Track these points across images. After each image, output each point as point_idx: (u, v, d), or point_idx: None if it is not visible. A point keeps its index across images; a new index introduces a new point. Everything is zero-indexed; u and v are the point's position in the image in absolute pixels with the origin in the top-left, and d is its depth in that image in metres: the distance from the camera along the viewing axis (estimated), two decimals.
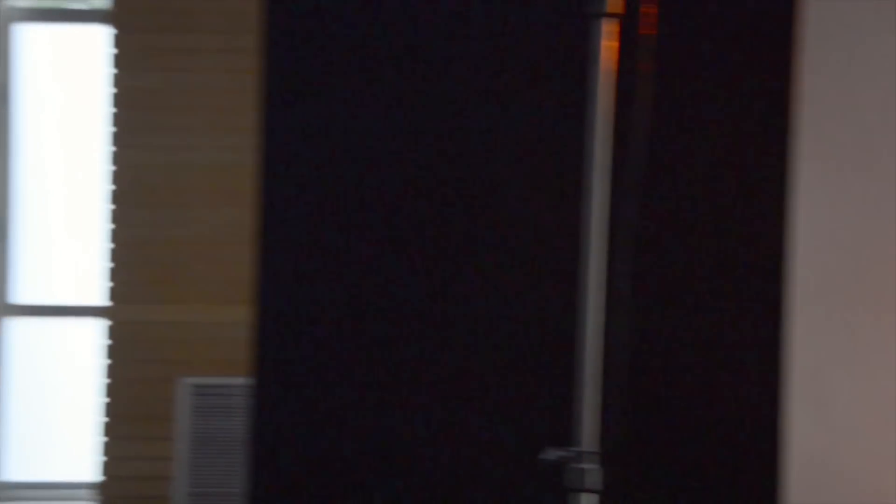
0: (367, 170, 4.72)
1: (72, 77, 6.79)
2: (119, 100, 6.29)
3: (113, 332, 6.25)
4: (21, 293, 6.69)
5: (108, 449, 6.21)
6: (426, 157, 4.72)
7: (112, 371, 6.24)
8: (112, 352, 6.27)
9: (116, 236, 6.23)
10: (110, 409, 6.24)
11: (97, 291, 6.32)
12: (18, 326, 6.70)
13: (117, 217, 6.26)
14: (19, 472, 6.68)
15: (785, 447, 4.70)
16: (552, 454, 2.61)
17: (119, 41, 6.30)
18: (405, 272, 4.66)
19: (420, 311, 4.66)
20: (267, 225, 4.68)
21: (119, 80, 6.30)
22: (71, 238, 6.79)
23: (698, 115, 4.70)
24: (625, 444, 4.42)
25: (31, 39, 6.76)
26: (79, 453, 6.58)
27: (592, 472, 2.58)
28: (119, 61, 6.29)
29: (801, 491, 5.13)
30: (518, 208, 4.70)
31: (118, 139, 6.29)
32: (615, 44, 2.55)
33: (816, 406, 5.32)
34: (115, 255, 6.25)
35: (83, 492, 6.44)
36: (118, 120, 6.28)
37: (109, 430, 6.22)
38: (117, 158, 6.29)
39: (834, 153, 5.39)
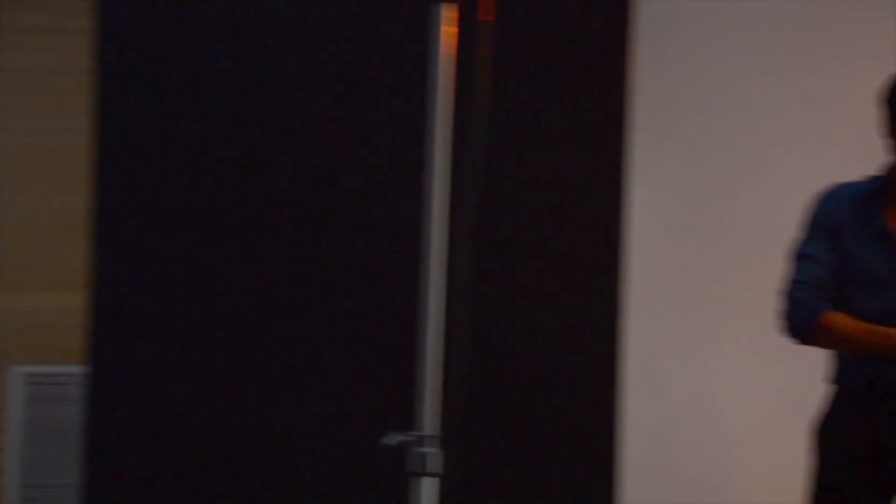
0: (205, 156, 4.65)
1: None
2: None
3: None
4: None
5: None
6: (266, 142, 4.67)
7: None
8: None
9: None
10: None
11: None
12: None
13: None
14: None
15: (621, 426, 4.79)
16: (393, 439, 2.62)
17: None
18: (246, 260, 4.61)
19: (261, 299, 4.62)
20: (102, 210, 4.57)
21: None
22: None
23: (536, 103, 4.75)
24: (466, 428, 4.46)
25: None
26: None
27: (433, 456, 2.60)
28: None
29: (636, 467, 5.23)
30: (360, 196, 4.69)
31: None
32: (454, 29, 2.56)
33: (651, 386, 5.43)
34: None
35: None
36: None
37: None
38: None
39: (668, 144, 5.50)
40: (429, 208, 2.61)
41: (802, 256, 3.18)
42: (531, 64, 4.67)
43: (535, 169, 4.72)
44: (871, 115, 3.21)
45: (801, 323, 3.13)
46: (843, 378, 3.20)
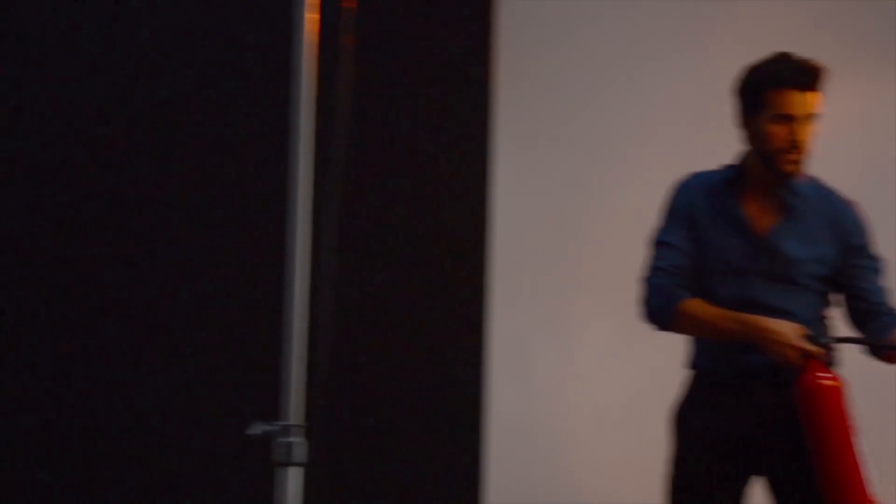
0: (68, 152, 4.56)
1: None
2: None
3: None
4: None
5: None
6: (128, 137, 4.60)
7: None
8: None
9: None
10: None
11: None
12: None
13: None
14: None
15: (486, 412, 4.82)
16: (258, 428, 2.60)
17: None
18: (114, 254, 4.54)
19: (127, 292, 4.55)
20: None
21: None
22: None
23: (400, 95, 4.75)
24: (331, 417, 4.45)
25: None
26: None
27: (298, 445, 2.58)
28: None
29: (502, 452, 5.28)
30: (226, 189, 4.64)
31: None
32: (316, 16, 2.54)
33: (518, 373, 5.48)
34: None
35: None
36: None
37: None
38: None
39: (531, 137, 5.55)
40: (293, 199, 2.59)
41: (661, 244, 3.23)
42: (396, 54, 4.67)
43: (400, 160, 4.73)
44: (729, 106, 3.27)
45: (660, 309, 3.18)
46: (700, 363, 3.26)
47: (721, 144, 3.48)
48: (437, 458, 4.68)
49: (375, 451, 4.62)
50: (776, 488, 3.19)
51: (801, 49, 3.15)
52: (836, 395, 3.00)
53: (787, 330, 3.05)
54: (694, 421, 3.23)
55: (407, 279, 4.69)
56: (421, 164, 4.72)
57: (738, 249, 3.17)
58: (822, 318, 3.23)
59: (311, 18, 2.59)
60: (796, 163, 3.11)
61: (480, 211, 4.77)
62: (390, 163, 4.71)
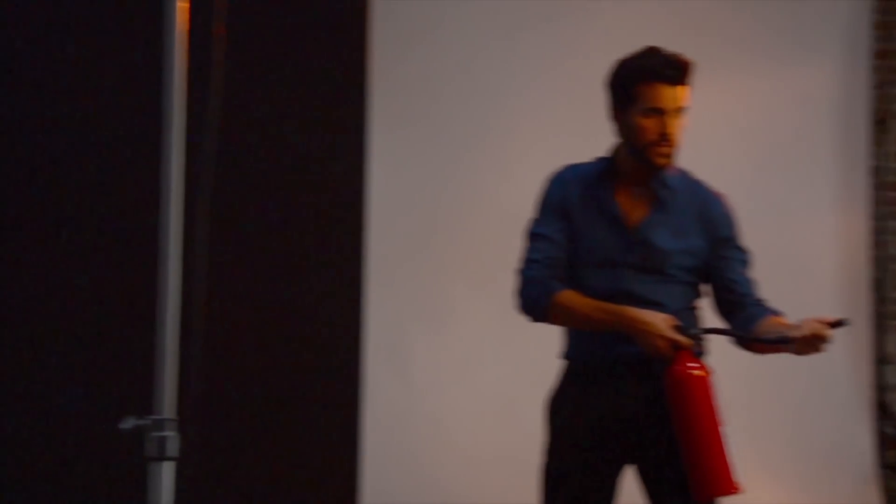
0: None
1: None
2: None
3: None
4: None
5: None
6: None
7: None
8: None
9: None
10: None
11: None
12: None
13: None
14: None
15: (363, 403, 4.82)
16: (130, 422, 2.57)
17: None
18: None
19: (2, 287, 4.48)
20: None
21: None
22: None
23: (274, 81, 4.72)
24: (205, 411, 4.41)
25: None
26: None
27: (171, 439, 2.56)
28: None
29: (379, 442, 5.29)
30: (96, 178, 4.57)
31: None
32: (186, 4, 2.51)
33: (395, 363, 5.49)
34: None
35: None
36: None
37: None
38: None
39: (407, 122, 5.56)
40: (166, 191, 2.56)
41: (535, 236, 3.26)
42: (269, 43, 4.63)
43: (275, 150, 4.70)
44: (601, 100, 3.31)
45: (534, 301, 3.21)
46: (573, 354, 3.30)
47: (594, 137, 3.52)
48: (313, 449, 4.66)
49: (251, 444, 4.59)
50: (646, 476, 3.24)
51: (668, 45, 3.20)
52: (703, 385, 3.06)
53: (658, 321, 3.10)
54: (566, 411, 3.27)
55: (282, 269, 4.67)
56: (296, 153, 4.70)
57: (610, 241, 3.21)
58: (692, 308, 3.28)
59: (182, 7, 2.56)
60: (667, 155, 3.16)
61: (356, 200, 4.76)
62: (264, 152, 4.68)
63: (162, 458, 2.59)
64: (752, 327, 3.16)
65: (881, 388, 6.04)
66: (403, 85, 5.51)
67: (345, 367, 4.70)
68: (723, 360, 3.40)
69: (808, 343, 2.97)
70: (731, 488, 3.04)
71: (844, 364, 5.61)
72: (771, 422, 5.56)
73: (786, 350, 3.02)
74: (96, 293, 4.48)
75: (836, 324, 2.96)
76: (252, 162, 4.64)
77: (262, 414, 4.61)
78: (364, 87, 4.77)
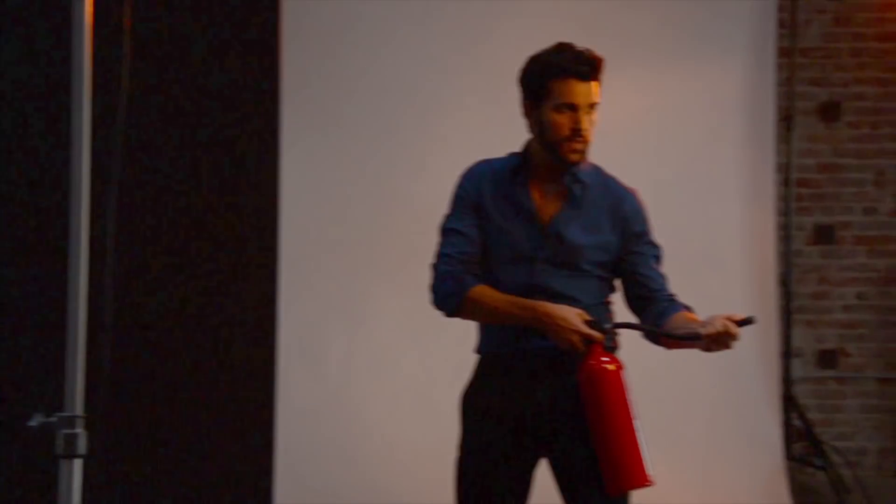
0: None
1: None
2: None
3: None
4: None
5: None
6: None
7: None
8: None
9: None
10: None
11: None
12: None
13: None
14: None
15: (277, 399, 4.79)
16: (38, 420, 2.53)
17: None
18: None
19: None
20: None
21: None
22: None
23: (184, 80, 4.67)
24: (114, 409, 4.36)
25: None
26: None
27: (79, 437, 2.53)
28: None
29: (293, 439, 5.26)
30: (3, 174, 4.51)
31: None
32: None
33: (309, 358, 5.47)
34: None
35: None
36: None
37: None
38: None
39: (321, 118, 5.54)
40: (75, 187, 2.52)
41: (449, 231, 3.27)
42: (178, 38, 4.59)
43: (186, 147, 4.65)
44: (514, 95, 3.32)
45: (449, 296, 3.21)
46: (487, 348, 3.31)
47: (507, 133, 3.53)
48: (226, 447, 4.63)
49: (163, 442, 4.55)
50: (559, 469, 3.26)
51: (581, 43, 3.21)
52: (616, 379, 3.08)
53: (571, 315, 3.12)
54: (480, 405, 3.27)
55: (195, 268, 4.63)
56: (208, 150, 4.66)
57: (523, 236, 3.22)
58: (605, 303, 3.31)
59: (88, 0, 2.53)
60: (579, 151, 3.18)
61: (269, 198, 4.73)
62: (175, 149, 4.63)
63: (71, 455, 2.56)
64: (663, 322, 3.19)
65: (788, 381, 6.14)
66: (315, 83, 5.50)
67: (258, 364, 4.67)
68: (634, 354, 3.43)
69: (717, 340, 3.00)
70: (642, 481, 3.07)
71: (753, 358, 5.69)
72: (682, 414, 5.62)
73: (695, 346, 3.05)
74: (4, 290, 4.40)
75: (744, 321, 3.00)
76: (163, 159, 4.59)
77: (174, 412, 4.57)
78: (276, 84, 4.74)
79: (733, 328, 2.98)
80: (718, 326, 2.98)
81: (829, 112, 6.49)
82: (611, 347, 3.21)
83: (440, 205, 3.37)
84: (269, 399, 4.68)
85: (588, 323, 3.13)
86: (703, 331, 3.01)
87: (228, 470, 4.61)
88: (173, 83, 4.58)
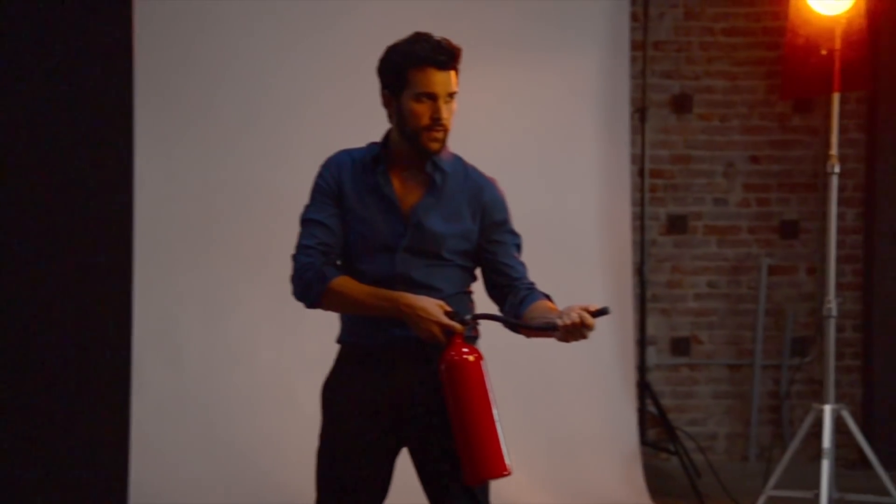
0: None
1: None
2: None
3: None
4: None
5: None
6: None
7: None
8: None
9: None
10: None
11: None
12: None
13: None
14: None
15: (132, 391, 4.70)
16: None
17: None
18: None
19: None
20: None
21: None
22: None
23: (36, 70, 4.56)
24: None
25: None
26: None
27: None
28: None
29: (150, 434, 5.18)
30: None
31: None
32: None
33: (165, 349, 5.39)
34: None
35: None
36: None
37: None
38: None
39: (176, 107, 5.46)
40: None
41: (309, 222, 3.24)
42: (31, 35, 4.48)
43: (38, 137, 4.54)
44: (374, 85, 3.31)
45: (309, 287, 3.20)
46: (349, 338, 3.30)
47: (367, 123, 3.53)
48: (80, 439, 4.53)
49: (12, 435, 4.44)
50: (419, 458, 3.27)
51: (440, 34, 3.22)
52: (475, 370, 3.10)
53: (432, 307, 3.13)
54: (341, 394, 3.27)
55: (48, 259, 4.52)
56: (60, 140, 4.55)
57: (385, 226, 3.22)
58: (467, 292, 3.32)
59: None
60: (439, 140, 3.18)
61: (122, 187, 4.64)
62: (25, 140, 4.52)
63: None
64: (522, 312, 3.21)
65: (643, 368, 6.25)
66: (170, 71, 5.42)
67: (113, 355, 4.57)
68: (494, 342, 3.46)
69: (573, 331, 3.04)
70: (500, 471, 3.08)
71: (610, 345, 5.78)
72: (540, 401, 5.68)
73: (553, 336, 3.09)
74: None
75: (599, 312, 3.04)
76: (14, 149, 4.47)
77: (25, 406, 4.45)
78: (128, 72, 4.64)
79: (589, 319, 3.02)
80: (574, 318, 3.02)
81: (681, 104, 6.62)
82: (471, 337, 3.23)
83: (300, 195, 3.34)
84: (124, 393, 4.59)
85: (449, 314, 3.14)
86: (559, 322, 3.04)
87: (82, 464, 4.51)
88: (23, 80, 4.47)
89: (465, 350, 3.12)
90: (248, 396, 5.44)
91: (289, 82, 5.53)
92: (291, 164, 5.26)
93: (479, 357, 3.13)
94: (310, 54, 5.54)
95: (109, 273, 4.58)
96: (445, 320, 3.12)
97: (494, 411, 3.10)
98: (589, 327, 3.03)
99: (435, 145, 3.18)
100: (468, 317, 3.19)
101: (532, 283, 3.30)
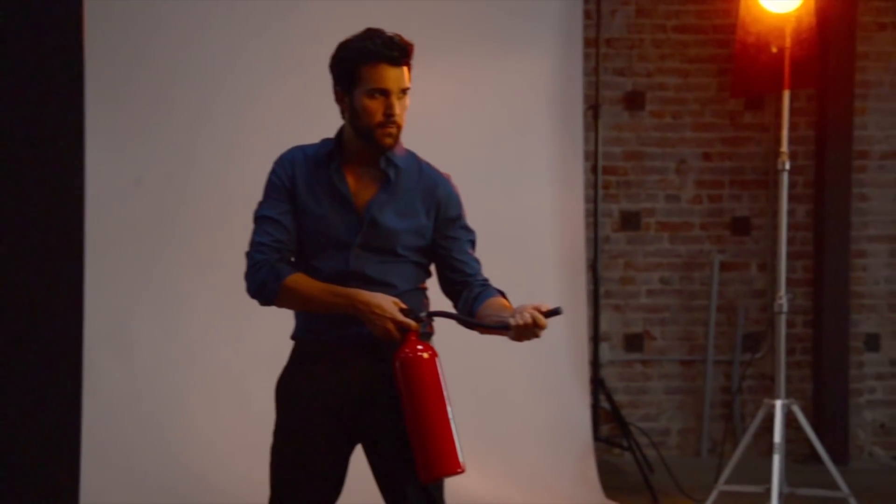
0: None
1: None
2: None
3: None
4: None
5: None
6: None
7: None
8: None
9: None
10: None
11: None
12: None
13: None
14: None
15: (84, 389, 4.66)
16: None
17: None
18: None
19: None
20: None
21: None
22: None
23: None
24: None
25: None
26: None
27: None
28: None
29: (102, 430, 5.15)
30: None
31: None
32: None
33: (118, 346, 5.35)
34: None
35: None
36: None
37: None
38: None
39: (127, 107, 5.43)
40: None
41: (263, 219, 3.23)
42: None
43: None
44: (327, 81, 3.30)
45: (263, 285, 3.18)
46: (303, 334, 3.30)
47: (320, 119, 3.52)
48: (31, 439, 4.49)
49: None
50: (373, 456, 3.27)
51: (393, 31, 3.22)
52: (430, 367, 3.10)
53: (387, 304, 3.13)
54: (295, 391, 3.26)
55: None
56: (7, 136, 4.50)
57: (339, 222, 3.21)
58: (421, 288, 3.32)
59: None
60: (392, 136, 3.18)
61: (73, 183, 4.59)
62: None
63: None
64: (476, 309, 3.21)
65: (597, 364, 6.28)
66: (122, 69, 5.38)
67: (64, 353, 4.53)
68: (448, 338, 3.46)
69: (524, 331, 3.05)
70: (454, 468, 3.09)
71: (564, 342, 5.80)
72: (494, 397, 5.69)
73: (505, 335, 3.09)
74: None
75: (551, 312, 3.05)
76: None
77: None
78: (79, 68, 4.59)
79: (541, 319, 3.03)
80: (527, 318, 3.02)
81: (633, 101, 6.66)
82: (426, 334, 3.23)
83: (253, 192, 3.33)
84: (75, 390, 4.55)
85: (403, 311, 3.14)
86: (511, 321, 3.05)
87: (31, 463, 4.47)
88: None
89: (419, 347, 3.12)
90: (202, 394, 5.42)
91: (241, 79, 5.51)
92: (244, 160, 5.24)
93: (434, 354, 3.13)
94: (262, 51, 5.52)
95: (60, 270, 4.54)
96: (400, 317, 3.12)
97: (449, 409, 3.10)
98: (541, 327, 3.04)
99: (388, 140, 3.18)
100: (423, 314, 3.19)
101: (486, 280, 3.30)
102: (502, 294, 3.26)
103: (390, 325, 3.12)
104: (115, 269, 5.33)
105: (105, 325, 5.27)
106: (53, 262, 4.55)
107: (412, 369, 3.09)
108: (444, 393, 3.11)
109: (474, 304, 3.23)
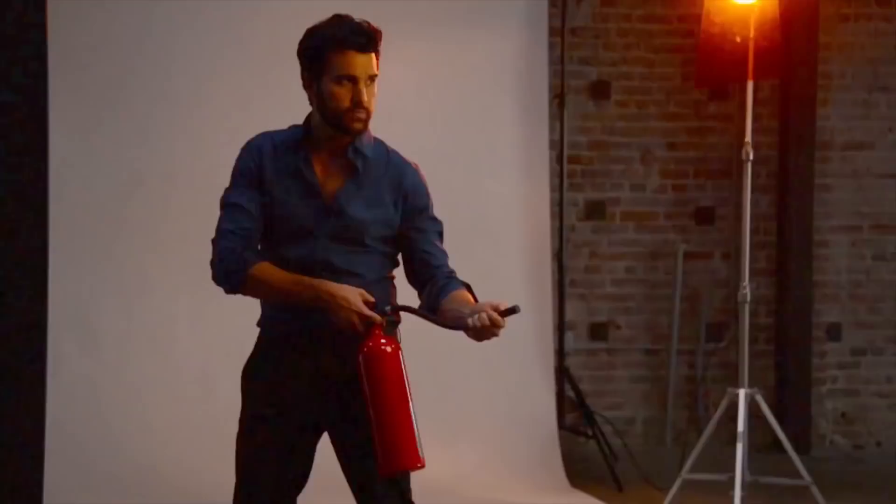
0: None
1: None
2: None
3: None
4: None
5: None
6: None
7: None
8: None
9: None
10: None
11: None
12: None
13: None
14: None
15: (48, 376, 4.63)
16: None
17: None
18: None
19: None
20: None
21: None
22: None
23: None
24: None
25: None
26: None
27: None
28: None
29: (66, 418, 5.12)
30: None
31: None
32: None
33: (82, 334, 5.33)
34: None
35: None
36: None
37: None
38: None
39: (92, 92, 5.40)
40: None
41: (229, 206, 3.21)
42: None
43: None
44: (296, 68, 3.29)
45: (230, 273, 3.17)
46: (269, 323, 3.29)
47: (289, 106, 3.50)
48: None
49: None
50: (339, 446, 3.27)
51: (360, 15, 3.20)
52: (393, 361, 3.09)
53: (352, 296, 3.11)
54: (261, 379, 3.25)
55: None
56: None
57: (306, 211, 3.19)
58: (388, 278, 3.31)
59: None
60: (361, 121, 3.16)
61: (38, 170, 4.56)
62: None
63: None
64: (440, 301, 3.20)
65: (562, 353, 6.30)
66: (86, 56, 5.35)
67: (28, 341, 4.50)
68: (413, 327, 3.45)
69: (481, 333, 3.05)
70: (413, 463, 3.09)
71: (529, 331, 5.81)
72: (459, 386, 5.70)
73: (466, 333, 3.10)
74: None
75: (508, 311, 3.05)
76: None
77: None
78: (42, 56, 4.56)
79: (498, 320, 3.04)
80: (484, 320, 3.02)
81: (599, 91, 6.67)
82: (393, 322, 3.22)
83: (219, 179, 3.31)
84: (39, 379, 4.53)
85: (368, 304, 3.13)
86: (469, 322, 3.05)
87: None
88: None
89: (383, 341, 3.11)
90: (166, 382, 5.40)
91: (207, 66, 5.48)
92: (209, 147, 5.21)
93: (398, 348, 3.12)
94: (227, 36, 5.50)
95: (24, 258, 4.51)
96: (365, 311, 3.11)
97: (410, 404, 3.10)
98: (498, 327, 3.04)
99: (358, 125, 3.16)
100: (388, 308, 3.18)
101: (452, 271, 3.29)
102: (468, 287, 3.25)
103: (354, 318, 3.11)
104: (80, 258, 5.30)
105: (69, 313, 5.24)
106: (18, 250, 4.52)
107: (375, 363, 3.09)
108: (407, 387, 3.10)
109: (438, 296, 3.22)
